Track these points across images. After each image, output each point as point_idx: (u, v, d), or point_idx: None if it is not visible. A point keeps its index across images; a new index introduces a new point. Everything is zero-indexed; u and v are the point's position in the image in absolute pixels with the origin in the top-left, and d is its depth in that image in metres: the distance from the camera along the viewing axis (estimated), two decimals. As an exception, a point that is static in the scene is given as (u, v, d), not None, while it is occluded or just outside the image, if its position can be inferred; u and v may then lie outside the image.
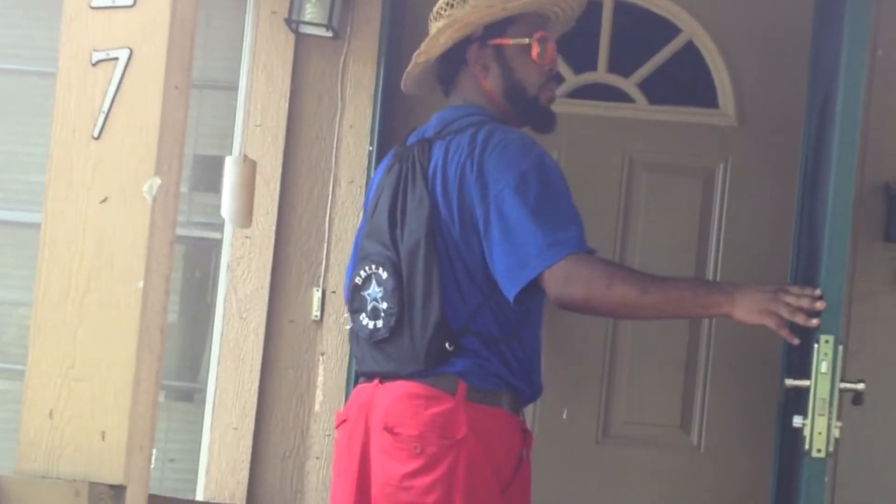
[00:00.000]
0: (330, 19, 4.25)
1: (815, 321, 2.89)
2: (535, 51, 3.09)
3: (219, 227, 4.39)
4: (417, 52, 3.14)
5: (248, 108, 4.35)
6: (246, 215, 4.05)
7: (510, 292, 2.84)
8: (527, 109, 3.13)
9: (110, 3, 2.48)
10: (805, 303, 2.87)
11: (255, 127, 4.35)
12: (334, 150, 4.35)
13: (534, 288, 2.84)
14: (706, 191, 4.40)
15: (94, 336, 2.42)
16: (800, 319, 2.87)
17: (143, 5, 2.47)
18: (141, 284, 2.41)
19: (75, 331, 2.43)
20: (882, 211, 4.19)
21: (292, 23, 4.30)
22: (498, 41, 3.09)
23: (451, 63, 3.12)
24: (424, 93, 3.31)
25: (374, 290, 2.97)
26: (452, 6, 3.09)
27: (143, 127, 2.45)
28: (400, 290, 2.92)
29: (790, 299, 2.86)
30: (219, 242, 4.44)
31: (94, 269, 2.43)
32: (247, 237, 4.33)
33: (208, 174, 4.54)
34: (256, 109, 4.36)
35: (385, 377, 2.95)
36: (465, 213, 2.90)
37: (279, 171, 4.33)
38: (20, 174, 4.63)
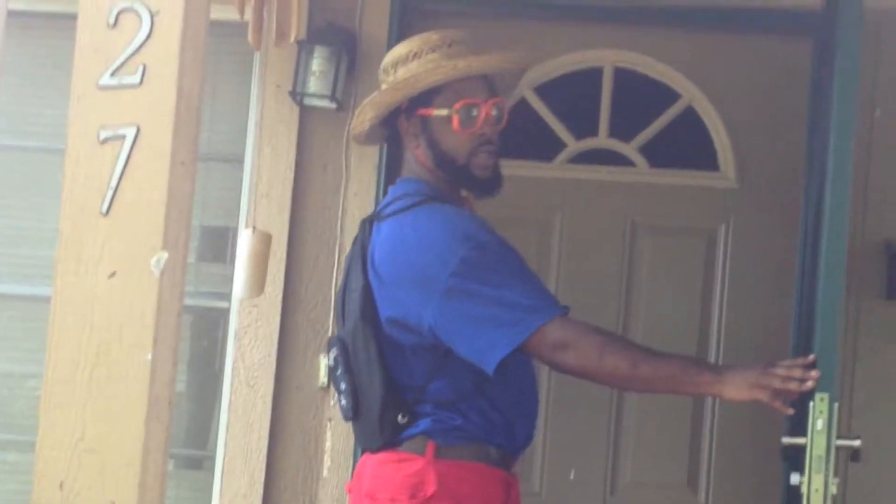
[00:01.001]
0: (334, 91, 4.30)
1: (809, 384, 2.88)
2: (456, 121, 2.96)
3: (226, 296, 4.42)
4: (351, 123, 3.13)
5: (255, 179, 4.38)
6: (256, 287, 4.06)
7: (488, 370, 2.81)
8: (460, 178, 3.02)
9: (117, 83, 2.53)
10: (797, 373, 2.87)
11: (261, 197, 4.38)
12: (339, 220, 4.39)
13: (514, 354, 2.81)
14: (709, 252, 4.44)
15: (103, 408, 2.44)
16: (793, 387, 2.87)
17: (149, 84, 2.51)
18: (149, 357, 2.44)
19: (85, 403, 2.45)
20: (883, 269, 4.22)
21: (297, 95, 4.34)
22: (422, 112, 2.99)
23: (391, 132, 3.09)
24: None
25: (340, 370, 2.99)
26: (388, 73, 3.05)
27: (151, 203, 2.48)
28: (349, 371, 2.94)
29: (781, 371, 2.86)
30: (226, 311, 4.47)
31: (104, 342, 2.46)
32: (254, 306, 4.36)
33: (215, 245, 4.58)
34: (262, 180, 4.39)
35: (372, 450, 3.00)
36: (393, 303, 2.88)
37: (285, 240, 4.36)
38: (30, 249, 4.66)
